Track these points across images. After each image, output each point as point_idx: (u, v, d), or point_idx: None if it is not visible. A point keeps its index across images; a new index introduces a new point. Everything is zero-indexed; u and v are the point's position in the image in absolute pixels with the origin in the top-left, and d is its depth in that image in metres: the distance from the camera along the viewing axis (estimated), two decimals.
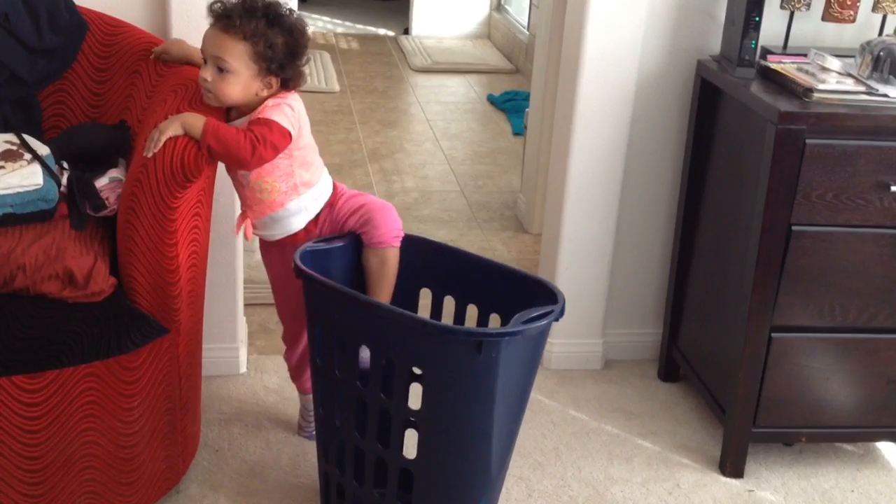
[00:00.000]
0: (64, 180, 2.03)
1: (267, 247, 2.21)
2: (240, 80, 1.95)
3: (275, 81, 2.00)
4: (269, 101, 1.99)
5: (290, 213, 2.10)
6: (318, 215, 2.13)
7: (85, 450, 1.93)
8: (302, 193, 2.09)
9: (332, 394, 2.00)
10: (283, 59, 1.98)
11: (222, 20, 1.93)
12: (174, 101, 2.03)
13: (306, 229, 2.13)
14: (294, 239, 2.12)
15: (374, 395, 1.90)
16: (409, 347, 1.84)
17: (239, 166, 2.01)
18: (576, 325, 2.81)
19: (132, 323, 1.92)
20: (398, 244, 2.12)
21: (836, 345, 2.33)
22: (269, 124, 1.94)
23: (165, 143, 1.87)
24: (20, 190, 1.96)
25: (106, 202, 2.05)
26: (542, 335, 1.91)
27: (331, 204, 2.14)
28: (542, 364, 2.85)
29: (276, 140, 1.94)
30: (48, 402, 1.85)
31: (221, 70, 1.94)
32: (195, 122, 1.89)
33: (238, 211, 2.29)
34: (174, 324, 1.99)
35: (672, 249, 2.75)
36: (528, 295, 1.97)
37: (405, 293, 2.15)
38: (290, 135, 1.97)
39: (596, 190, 2.69)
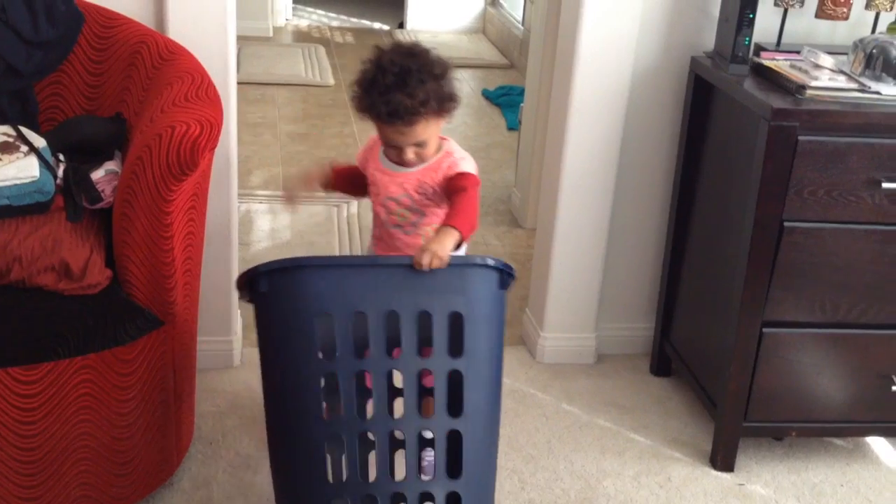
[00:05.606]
0: (60, 172, 2.04)
1: None
2: (436, 138, 1.98)
3: (447, 116, 1.99)
4: (452, 152, 2.00)
5: None
6: None
7: (80, 441, 1.93)
8: None
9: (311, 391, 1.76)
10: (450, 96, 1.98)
11: (409, 116, 1.89)
12: (169, 94, 2.04)
13: None
14: None
15: (382, 364, 1.74)
16: (442, 292, 1.75)
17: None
18: (569, 320, 2.82)
19: (127, 315, 1.93)
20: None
21: (826, 340, 2.34)
22: (469, 178, 1.96)
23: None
24: (16, 182, 1.96)
25: (102, 194, 2.05)
26: None
27: None
28: (535, 358, 2.87)
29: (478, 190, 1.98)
30: (43, 394, 1.86)
31: (419, 145, 1.96)
32: (452, 236, 1.80)
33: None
34: (169, 316, 2.00)
35: (665, 244, 2.76)
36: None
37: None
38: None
39: (590, 185, 2.70)
